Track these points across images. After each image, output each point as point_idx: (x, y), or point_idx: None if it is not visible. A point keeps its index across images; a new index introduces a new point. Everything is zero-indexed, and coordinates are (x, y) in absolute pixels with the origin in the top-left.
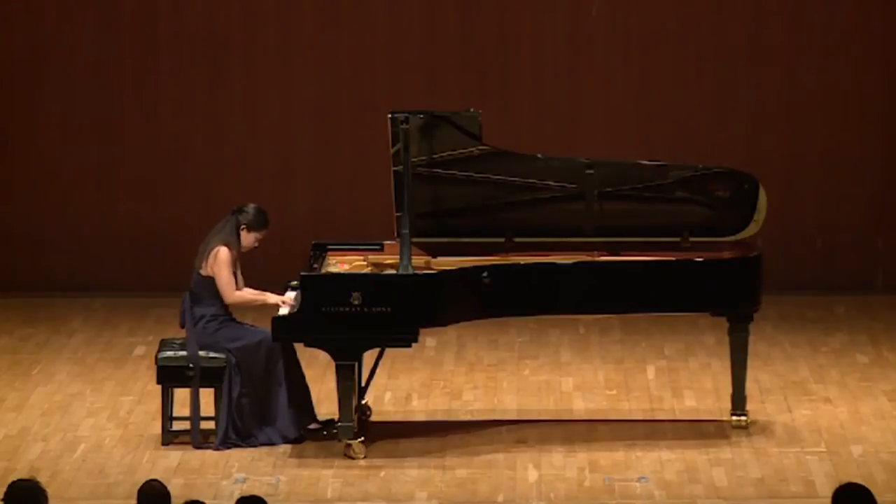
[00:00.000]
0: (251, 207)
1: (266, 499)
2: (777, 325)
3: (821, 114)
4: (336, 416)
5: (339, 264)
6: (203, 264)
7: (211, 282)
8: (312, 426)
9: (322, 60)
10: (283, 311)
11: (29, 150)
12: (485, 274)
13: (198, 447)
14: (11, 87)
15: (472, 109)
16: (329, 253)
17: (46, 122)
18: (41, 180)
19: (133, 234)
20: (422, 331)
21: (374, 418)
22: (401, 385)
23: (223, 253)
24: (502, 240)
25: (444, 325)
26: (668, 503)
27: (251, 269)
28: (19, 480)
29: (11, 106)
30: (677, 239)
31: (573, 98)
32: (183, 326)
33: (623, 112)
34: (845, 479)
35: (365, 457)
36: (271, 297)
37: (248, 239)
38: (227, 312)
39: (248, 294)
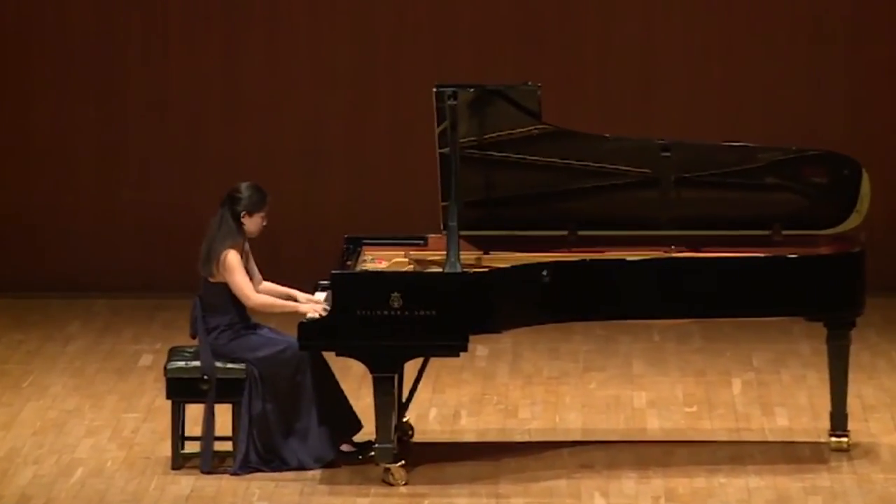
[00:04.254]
0: (242, 189)
1: None
2: (882, 332)
3: None
4: (373, 437)
5: (377, 261)
6: (211, 271)
7: (222, 288)
8: (346, 448)
9: (357, 26)
10: (312, 315)
11: (20, 128)
12: (544, 272)
13: (209, 472)
14: None
15: (530, 83)
16: (365, 248)
17: (40, 95)
18: (34, 163)
19: (139, 226)
20: (472, 338)
21: (416, 439)
22: (448, 401)
23: (231, 257)
24: (565, 233)
25: (498, 331)
26: None
27: (276, 268)
28: None
29: None
30: (767, 232)
31: (646, 70)
32: (194, 336)
33: (704, 86)
34: None
35: (406, 483)
36: (301, 301)
37: (253, 224)
38: (243, 320)
39: (272, 296)
